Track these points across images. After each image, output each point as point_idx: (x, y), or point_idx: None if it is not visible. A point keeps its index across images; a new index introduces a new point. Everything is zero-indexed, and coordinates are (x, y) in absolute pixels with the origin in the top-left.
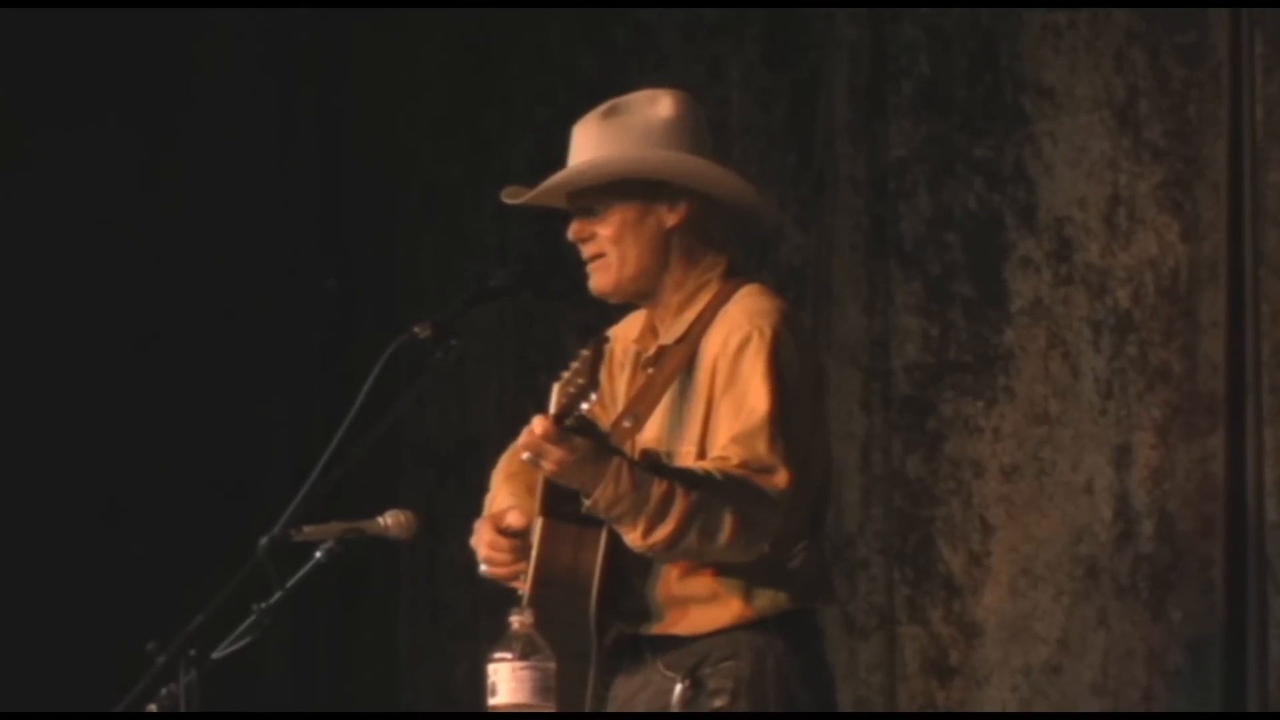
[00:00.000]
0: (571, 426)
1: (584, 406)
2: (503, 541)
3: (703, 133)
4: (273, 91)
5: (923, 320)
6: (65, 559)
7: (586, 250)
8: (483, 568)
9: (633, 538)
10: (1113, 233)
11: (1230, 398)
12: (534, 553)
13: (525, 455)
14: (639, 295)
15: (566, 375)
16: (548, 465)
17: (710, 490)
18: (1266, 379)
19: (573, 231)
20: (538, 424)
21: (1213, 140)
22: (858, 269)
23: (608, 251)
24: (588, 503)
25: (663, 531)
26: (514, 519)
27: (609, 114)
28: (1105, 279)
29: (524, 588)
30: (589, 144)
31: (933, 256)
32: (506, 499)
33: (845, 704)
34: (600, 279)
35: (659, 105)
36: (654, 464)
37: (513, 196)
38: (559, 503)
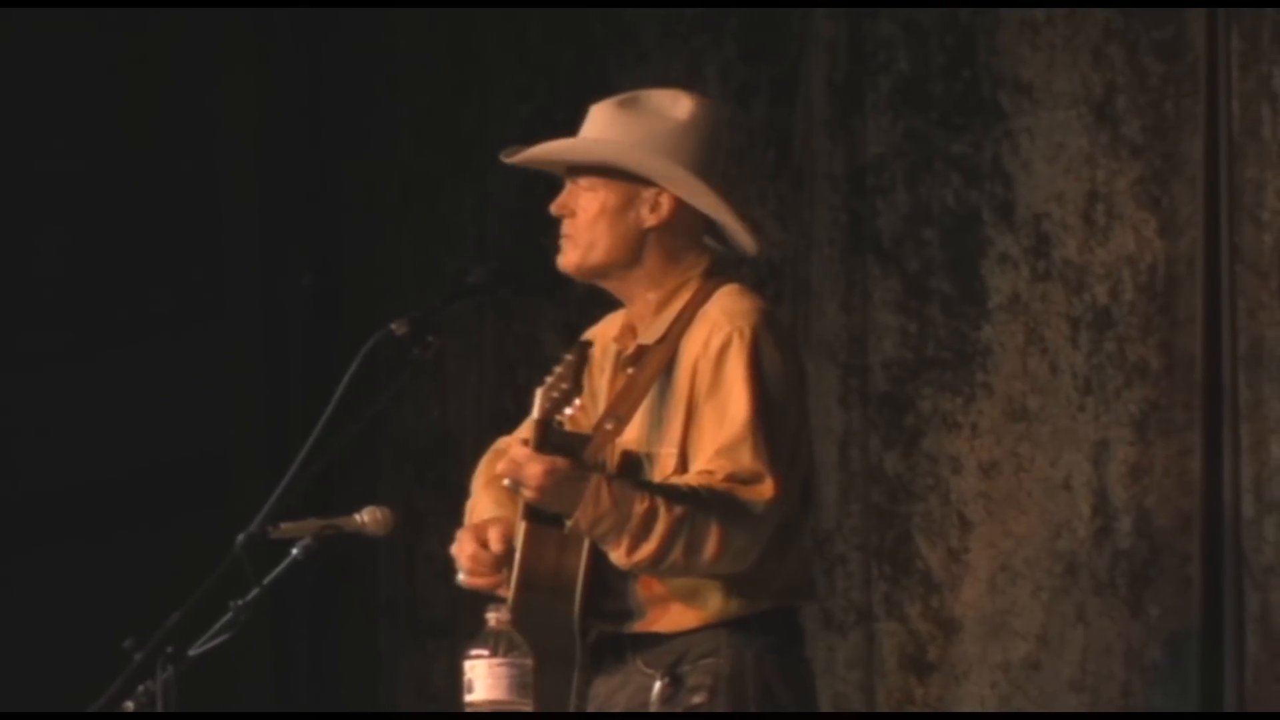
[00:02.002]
0: (554, 444)
1: (567, 411)
2: (485, 555)
3: (716, 146)
4: (251, 87)
5: (901, 316)
6: (42, 556)
7: (563, 227)
8: (462, 577)
9: (617, 555)
10: (1090, 229)
11: (1207, 394)
12: (517, 556)
13: (505, 482)
14: (600, 280)
15: (550, 380)
16: (527, 492)
17: (694, 505)
18: (1243, 375)
19: (555, 204)
20: (517, 451)
21: (1190, 136)
22: (835, 265)
23: (579, 233)
24: (569, 524)
25: (646, 549)
26: (494, 537)
27: (626, 103)
28: (1083, 275)
29: (506, 591)
30: (597, 126)
31: (911, 253)
32: (489, 508)
33: (823, 700)
34: (567, 257)
35: (678, 107)
36: (635, 479)
37: (510, 155)
38: (541, 506)
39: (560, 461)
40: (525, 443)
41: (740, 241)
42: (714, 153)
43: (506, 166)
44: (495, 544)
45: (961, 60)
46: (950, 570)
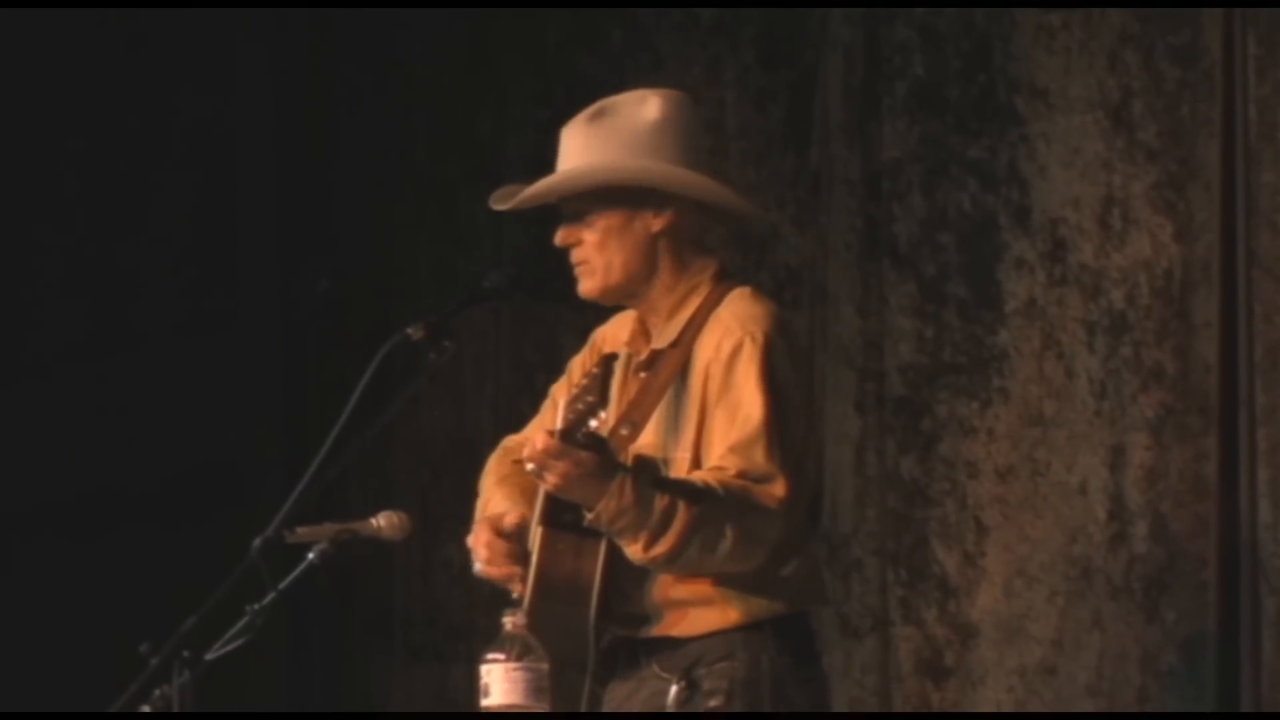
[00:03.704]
0: (579, 441)
1: (593, 424)
2: (500, 543)
3: (693, 135)
4: (267, 91)
5: (917, 321)
6: (59, 560)
7: (573, 256)
8: (478, 567)
9: (633, 550)
10: (1107, 233)
11: (1223, 398)
12: (533, 561)
13: (529, 468)
14: (627, 298)
15: (575, 392)
16: (551, 479)
17: (711, 503)
18: (1259, 380)
19: (559, 237)
20: (541, 439)
21: (1206, 141)
22: (852, 270)
23: (592, 258)
24: (590, 516)
25: (664, 545)
26: (511, 521)
27: (596, 117)
28: (1099, 280)
29: (520, 590)
30: (575, 149)
31: (927, 257)
32: (502, 503)
33: (840, 705)
34: (587, 285)
35: (647, 107)
36: (656, 478)
37: (500, 201)
38: (559, 512)
39: (586, 455)
40: (550, 433)
41: (741, 211)
42: (693, 140)
43: (523, 171)
44: (510, 522)
45: (978, 65)
46: (966, 575)
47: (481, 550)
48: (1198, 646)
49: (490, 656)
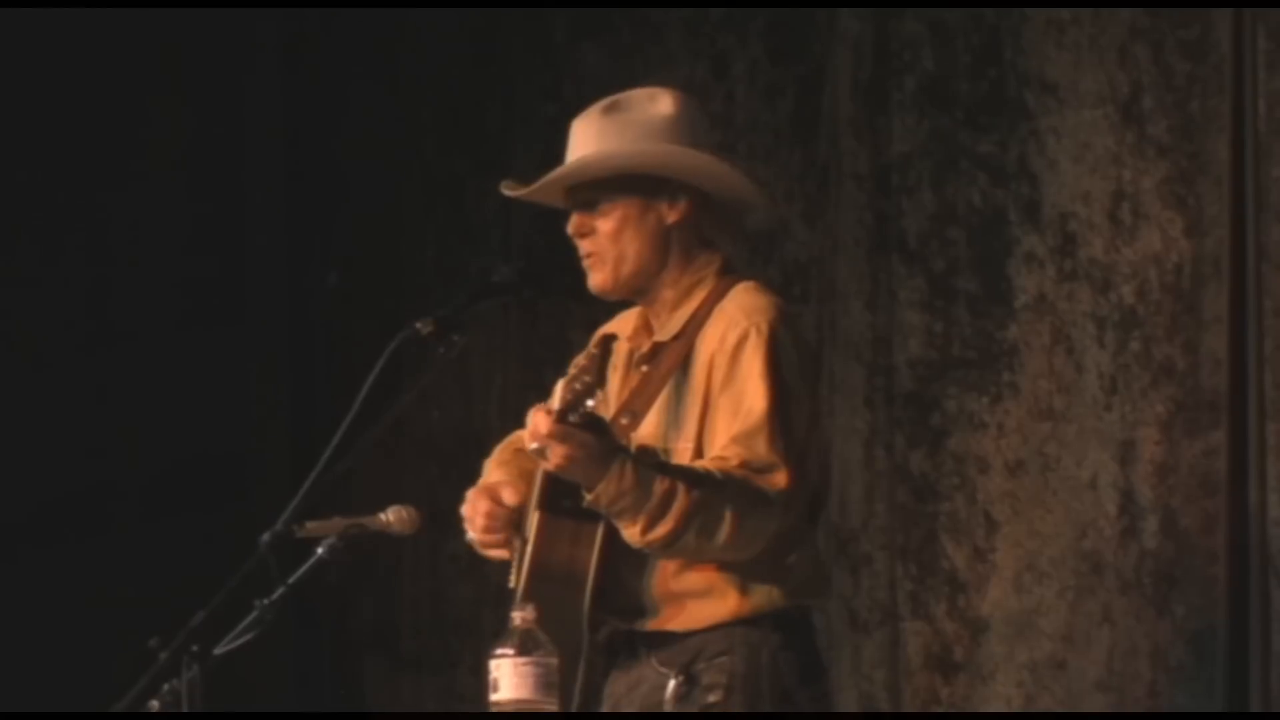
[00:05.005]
0: (580, 422)
1: (589, 404)
2: (500, 511)
3: (703, 130)
4: (276, 85)
5: (926, 316)
6: (68, 555)
7: (584, 246)
8: (473, 536)
9: (631, 533)
10: (1116, 228)
11: (1233, 393)
12: (530, 547)
13: (532, 446)
14: (637, 292)
15: (572, 373)
16: (554, 459)
17: (711, 489)
18: (1269, 374)
19: (572, 226)
20: (542, 419)
21: (1216, 135)
22: (861, 265)
23: (605, 248)
24: (589, 496)
25: (662, 529)
26: (508, 496)
27: (609, 110)
28: (1109, 274)
29: (511, 558)
30: (589, 139)
31: (936, 252)
32: (502, 478)
33: (849, 700)
34: (598, 276)
35: (659, 102)
36: (657, 462)
37: (513, 189)
38: (557, 498)
39: (588, 437)
40: (549, 412)
41: (757, 202)
42: (706, 134)
43: (531, 166)
44: (509, 498)
45: (987, 59)
46: (976, 570)
47: (480, 519)
48: (1207, 641)
49: (500, 651)
